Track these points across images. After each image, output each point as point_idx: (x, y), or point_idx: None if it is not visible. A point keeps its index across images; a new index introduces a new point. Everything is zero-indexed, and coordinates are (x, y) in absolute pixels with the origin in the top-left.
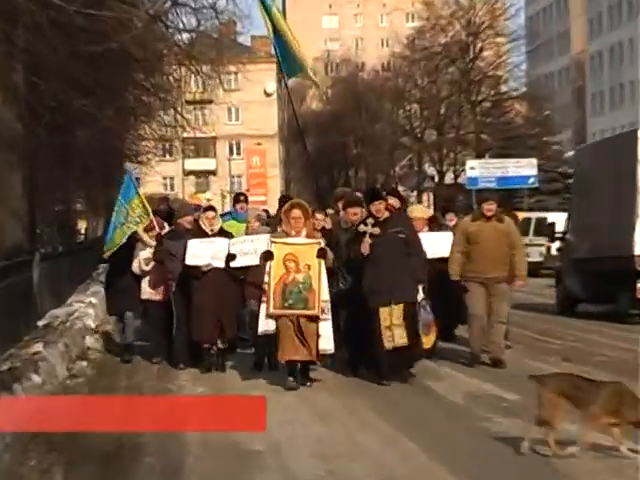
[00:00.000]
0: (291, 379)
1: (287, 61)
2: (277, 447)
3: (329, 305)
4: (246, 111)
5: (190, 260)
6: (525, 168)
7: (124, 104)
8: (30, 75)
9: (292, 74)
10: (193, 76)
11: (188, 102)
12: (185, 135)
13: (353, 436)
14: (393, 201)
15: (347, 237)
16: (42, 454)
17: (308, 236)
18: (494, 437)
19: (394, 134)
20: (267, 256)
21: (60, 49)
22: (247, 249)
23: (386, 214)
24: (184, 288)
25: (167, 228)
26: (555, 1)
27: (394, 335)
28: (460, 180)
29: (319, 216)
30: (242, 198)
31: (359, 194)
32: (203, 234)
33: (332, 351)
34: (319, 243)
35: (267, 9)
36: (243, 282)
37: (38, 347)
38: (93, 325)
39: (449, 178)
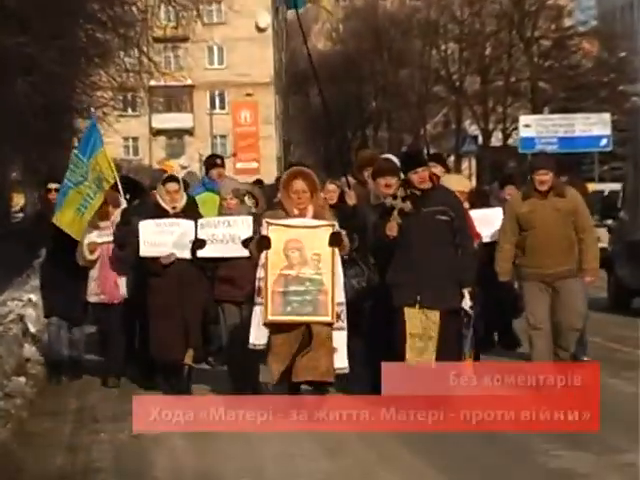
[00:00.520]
0: None
1: None
2: None
3: (345, 309)
4: (232, 52)
5: (145, 250)
6: (596, 126)
7: (73, 43)
8: None
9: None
10: (163, 5)
11: (156, 40)
12: (153, 83)
13: (371, 473)
14: (437, 169)
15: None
16: None
17: (316, 216)
18: (553, 474)
19: (424, 82)
20: (262, 243)
21: None
22: (221, 235)
23: (427, 185)
24: (141, 285)
25: (124, 204)
26: None
27: (421, 348)
28: (511, 142)
29: (331, 187)
30: (219, 162)
31: (394, 158)
32: (162, 213)
33: (347, 370)
34: (332, 225)
35: None
36: (213, 279)
37: None
38: (33, 330)
39: (496, 139)
